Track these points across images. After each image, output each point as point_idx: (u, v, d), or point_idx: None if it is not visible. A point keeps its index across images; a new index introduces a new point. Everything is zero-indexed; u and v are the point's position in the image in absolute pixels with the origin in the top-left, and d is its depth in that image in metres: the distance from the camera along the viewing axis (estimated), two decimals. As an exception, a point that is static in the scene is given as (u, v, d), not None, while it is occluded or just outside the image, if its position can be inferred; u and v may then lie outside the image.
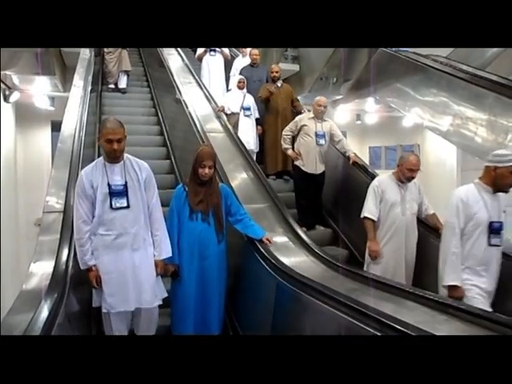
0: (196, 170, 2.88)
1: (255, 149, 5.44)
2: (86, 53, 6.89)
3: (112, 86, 7.31)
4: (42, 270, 2.37)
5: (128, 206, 2.54)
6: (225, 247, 2.94)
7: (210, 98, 5.53)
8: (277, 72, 5.48)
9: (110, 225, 2.53)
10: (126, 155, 2.63)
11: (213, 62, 6.76)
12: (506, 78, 5.85)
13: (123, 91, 7.31)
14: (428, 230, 3.49)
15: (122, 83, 7.33)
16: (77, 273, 2.51)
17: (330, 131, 4.52)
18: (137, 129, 6.05)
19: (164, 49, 7.07)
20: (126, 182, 2.56)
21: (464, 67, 6.51)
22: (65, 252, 2.52)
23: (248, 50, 6.50)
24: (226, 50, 6.94)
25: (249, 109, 5.49)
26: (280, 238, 3.04)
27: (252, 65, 6.12)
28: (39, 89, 8.43)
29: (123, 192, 2.54)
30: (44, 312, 1.82)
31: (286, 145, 4.58)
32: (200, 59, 6.85)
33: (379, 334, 1.72)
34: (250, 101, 5.56)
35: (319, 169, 4.48)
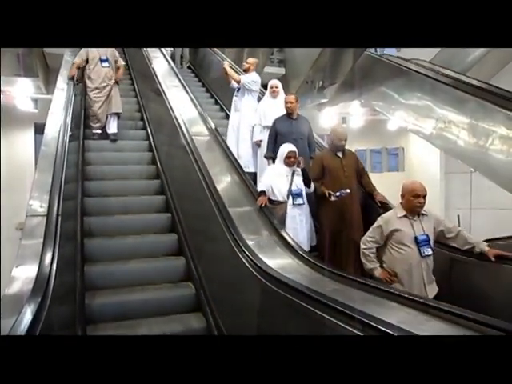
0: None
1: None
2: (69, 55, 6.81)
3: (98, 131, 5.58)
4: (24, 274, 2.34)
5: None
6: None
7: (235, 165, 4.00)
8: (345, 140, 3.86)
9: None
10: None
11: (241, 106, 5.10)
12: (487, 82, 5.99)
13: (113, 138, 5.58)
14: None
15: (112, 128, 5.61)
16: (60, 277, 2.48)
17: (435, 230, 3.01)
18: (133, 203, 4.59)
19: (160, 78, 5.75)
20: None
21: (447, 72, 6.65)
22: (48, 256, 2.48)
23: (279, 89, 4.84)
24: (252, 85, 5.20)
25: (300, 195, 3.60)
26: (265, 241, 3.06)
27: (289, 115, 4.32)
28: (22, 90, 8.32)
29: None
30: (27, 316, 1.80)
31: (370, 264, 3.02)
32: None
33: (362, 335, 1.75)
34: (300, 181, 3.66)
35: (430, 293, 2.92)
